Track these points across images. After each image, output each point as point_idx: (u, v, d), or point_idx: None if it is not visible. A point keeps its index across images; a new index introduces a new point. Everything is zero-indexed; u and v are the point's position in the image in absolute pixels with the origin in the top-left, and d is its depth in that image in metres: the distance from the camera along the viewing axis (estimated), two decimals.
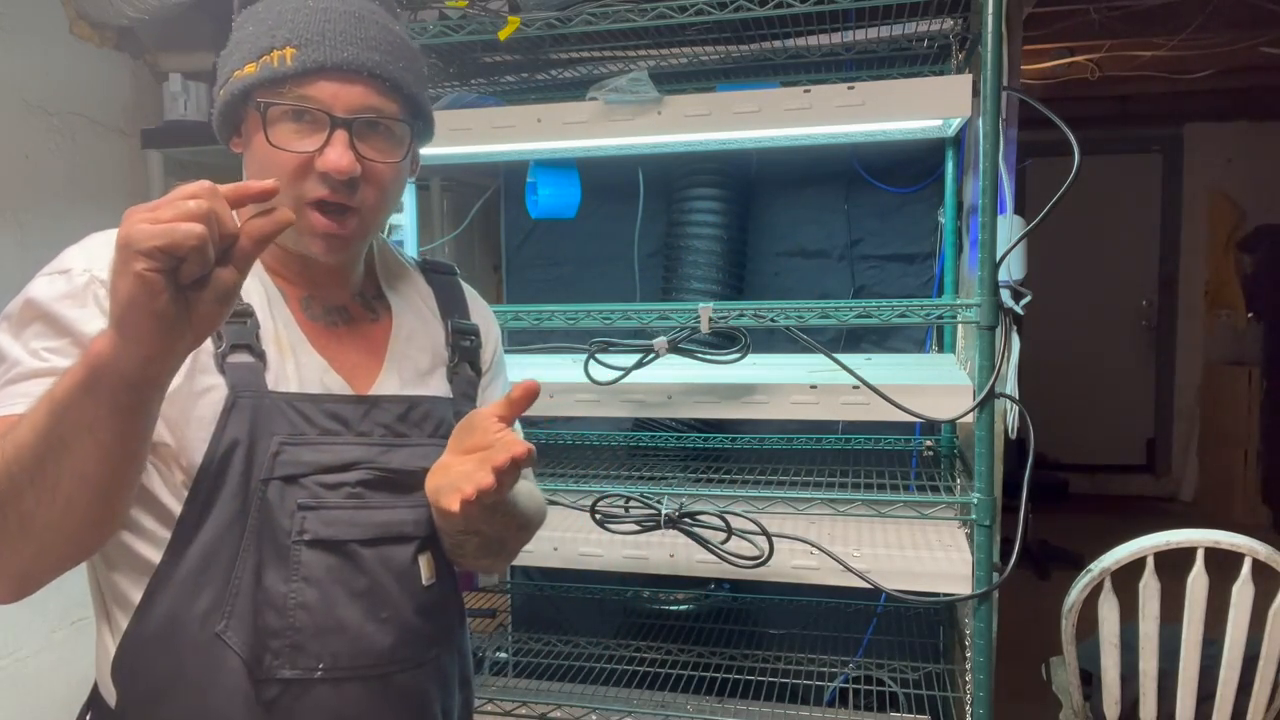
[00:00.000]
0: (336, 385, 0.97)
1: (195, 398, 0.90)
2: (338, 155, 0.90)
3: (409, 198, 2.20)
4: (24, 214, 2.20)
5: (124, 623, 0.92)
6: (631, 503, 1.69)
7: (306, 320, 1.00)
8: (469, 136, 1.78)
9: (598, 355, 1.70)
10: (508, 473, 0.83)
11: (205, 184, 0.68)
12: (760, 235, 2.41)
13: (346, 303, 1.04)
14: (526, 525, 1.07)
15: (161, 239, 0.65)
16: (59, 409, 0.72)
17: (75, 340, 0.85)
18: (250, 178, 0.95)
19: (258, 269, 0.97)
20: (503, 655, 2.28)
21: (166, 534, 0.91)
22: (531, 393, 0.88)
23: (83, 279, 0.88)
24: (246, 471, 0.91)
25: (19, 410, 0.79)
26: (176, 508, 0.90)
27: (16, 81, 2.20)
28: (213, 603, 0.90)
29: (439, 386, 1.06)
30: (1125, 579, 1.81)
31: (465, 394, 1.09)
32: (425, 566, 1.00)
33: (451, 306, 1.13)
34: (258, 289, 0.97)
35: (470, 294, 1.18)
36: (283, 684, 0.91)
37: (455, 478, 0.87)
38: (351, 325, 1.03)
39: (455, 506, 0.84)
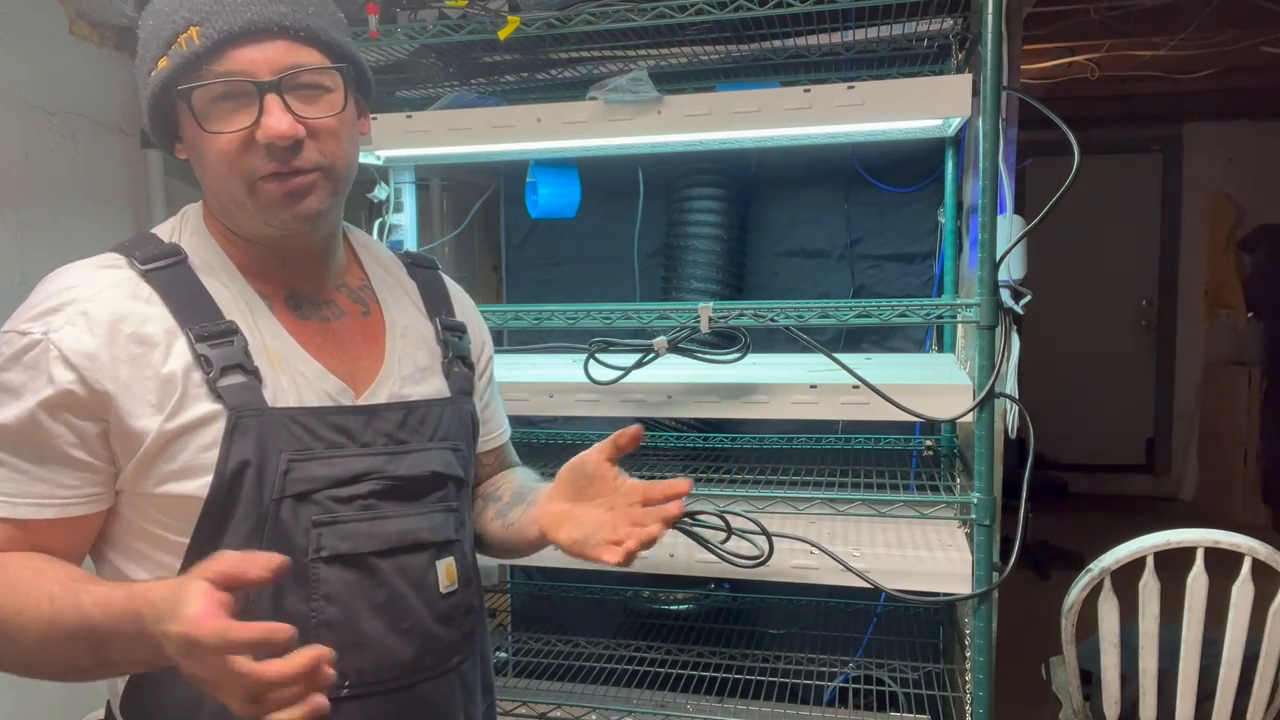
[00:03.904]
0: (336, 389, 0.95)
1: (189, 431, 0.87)
2: (275, 121, 0.86)
3: (408, 198, 2.20)
4: (23, 213, 2.20)
5: None
6: None
7: (296, 321, 0.96)
8: (469, 136, 1.78)
9: (598, 355, 1.70)
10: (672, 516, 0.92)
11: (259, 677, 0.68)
12: (760, 235, 2.40)
13: (333, 295, 1.01)
14: None
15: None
16: (96, 638, 0.77)
17: (26, 415, 0.85)
18: (200, 177, 0.93)
19: (236, 277, 0.95)
20: (502, 655, 2.28)
21: (176, 563, 0.89)
22: (638, 437, 0.96)
23: (34, 339, 0.85)
24: (257, 491, 0.88)
25: None
26: (183, 540, 0.88)
27: (16, 81, 2.20)
28: None
29: (437, 384, 1.05)
30: (1125, 579, 1.81)
31: (462, 390, 1.08)
32: (444, 573, 0.99)
33: (438, 303, 1.12)
34: (238, 301, 0.93)
35: (453, 288, 1.17)
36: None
37: (599, 530, 0.93)
38: (344, 320, 1.00)
39: (615, 559, 0.89)
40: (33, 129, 2.24)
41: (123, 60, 2.52)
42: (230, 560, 0.71)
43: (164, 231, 0.97)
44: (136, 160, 2.52)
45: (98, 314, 0.86)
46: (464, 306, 1.16)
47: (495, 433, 1.21)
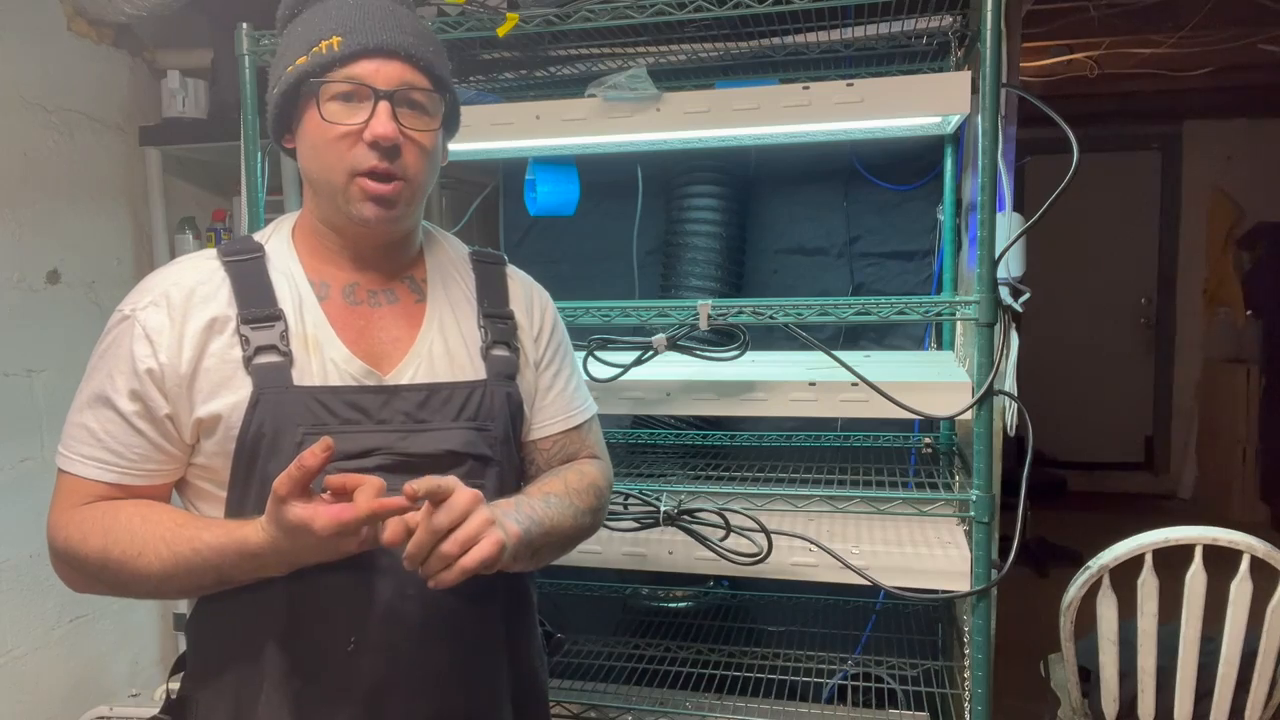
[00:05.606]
0: (360, 372, 1.04)
1: (225, 404, 0.99)
2: (382, 124, 1.01)
3: None
4: (22, 211, 2.19)
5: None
6: (630, 500, 1.69)
7: (346, 307, 1.07)
8: (467, 133, 1.75)
9: (596, 352, 1.70)
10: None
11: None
12: (759, 232, 2.40)
13: (394, 285, 1.12)
14: (574, 536, 1.15)
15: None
16: (216, 569, 0.95)
17: (131, 382, 1.00)
18: (303, 161, 1.08)
19: (300, 275, 1.07)
20: None
21: (221, 515, 1.04)
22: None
23: (121, 317, 1.02)
24: (274, 461, 0.98)
25: (82, 473, 1.00)
26: (223, 494, 1.03)
27: (14, 79, 2.20)
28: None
29: (472, 368, 1.11)
30: (1124, 576, 1.81)
31: (503, 374, 1.13)
32: None
33: (488, 292, 1.18)
34: (291, 293, 1.05)
35: (516, 282, 1.22)
36: (319, 651, 0.99)
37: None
38: (395, 305, 1.10)
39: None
40: (31, 126, 2.24)
41: (121, 58, 2.51)
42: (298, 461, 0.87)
43: (260, 235, 1.13)
44: (135, 157, 2.52)
45: (175, 296, 1.02)
46: (525, 298, 1.21)
47: (554, 419, 1.22)
